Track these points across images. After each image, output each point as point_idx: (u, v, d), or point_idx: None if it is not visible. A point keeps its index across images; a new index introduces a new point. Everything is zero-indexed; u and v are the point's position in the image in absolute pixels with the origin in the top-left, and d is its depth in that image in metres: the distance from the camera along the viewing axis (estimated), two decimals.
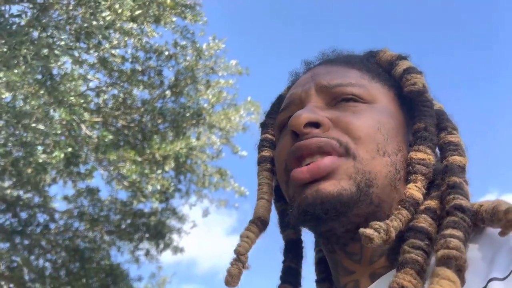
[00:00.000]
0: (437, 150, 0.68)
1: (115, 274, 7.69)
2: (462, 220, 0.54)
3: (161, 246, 8.11)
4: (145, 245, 8.20)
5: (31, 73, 5.30)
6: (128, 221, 7.90)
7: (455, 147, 0.65)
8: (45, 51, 4.96)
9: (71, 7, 5.31)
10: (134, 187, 7.48)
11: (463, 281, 0.50)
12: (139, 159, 7.17)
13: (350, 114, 0.65)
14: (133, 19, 6.08)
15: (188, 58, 7.21)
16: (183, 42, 7.03)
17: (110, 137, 6.65)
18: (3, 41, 4.58)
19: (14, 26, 4.67)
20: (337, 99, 0.68)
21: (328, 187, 0.60)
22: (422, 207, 0.60)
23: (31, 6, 5.24)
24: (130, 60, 6.87)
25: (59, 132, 6.14)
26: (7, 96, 5.75)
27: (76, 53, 5.90)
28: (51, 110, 6.00)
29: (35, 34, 5.03)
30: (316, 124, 0.64)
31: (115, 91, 7.23)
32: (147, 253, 8.26)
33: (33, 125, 5.71)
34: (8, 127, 5.85)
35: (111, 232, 7.97)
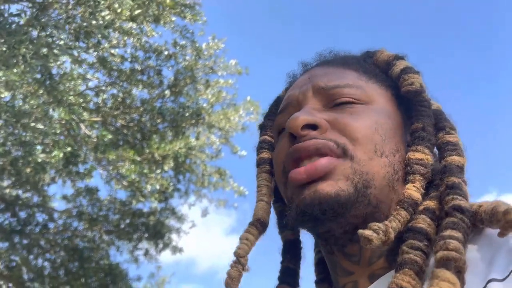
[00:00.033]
0: (435, 150, 0.68)
1: (114, 274, 7.69)
2: (461, 221, 0.54)
3: (160, 245, 8.11)
4: (144, 244, 8.21)
5: (30, 73, 5.29)
6: (127, 220, 7.90)
7: (453, 147, 0.65)
8: (44, 50, 4.96)
9: (70, 7, 5.30)
10: (133, 186, 7.47)
11: (462, 283, 0.50)
12: (138, 158, 7.16)
13: (348, 116, 0.65)
14: (132, 18, 6.07)
15: (187, 57, 7.21)
16: (183, 42, 7.03)
17: (109, 136, 6.64)
18: (2, 40, 4.58)
19: (13, 25, 4.66)
20: (335, 100, 0.68)
21: (326, 187, 0.60)
22: (421, 207, 0.60)
23: (30, 5, 5.24)
24: (129, 59, 6.87)
25: (58, 131, 6.14)
26: (6, 95, 5.74)
27: (75, 53, 5.89)
28: (50, 110, 6.00)
29: (34, 33, 5.03)
30: (313, 126, 0.64)
31: (114, 91, 7.23)
32: (146, 253, 8.26)
33: (32, 124, 5.70)
34: (7, 126, 5.85)
35: (110, 231, 7.96)
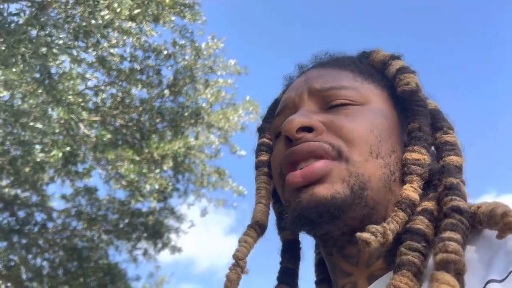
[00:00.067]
0: (433, 149, 0.68)
1: (113, 274, 7.68)
2: (460, 222, 0.54)
3: (159, 245, 8.11)
4: (143, 244, 8.21)
5: (29, 72, 5.29)
6: (126, 220, 7.90)
7: (451, 147, 0.64)
8: (44, 49, 4.95)
9: (69, 6, 5.30)
10: (132, 186, 7.47)
11: (462, 285, 0.50)
12: (137, 158, 7.16)
13: (343, 117, 0.65)
14: (131, 18, 6.07)
15: (186, 57, 7.21)
16: (182, 41, 7.03)
17: (108, 136, 6.64)
18: (1, 40, 4.57)
19: (13, 25, 4.65)
20: (330, 102, 0.68)
21: (322, 190, 0.60)
22: (419, 208, 0.60)
23: (29, 4, 5.23)
24: (128, 59, 6.87)
25: (57, 131, 6.13)
26: (5, 94, 5.74)
27: (74, 52, 5.89)
28: (49, 109, 5.99)
29: (34, 32, 5.02)
30: (309, 129, 0.64)
31: (114, 90, 7.23)
32: (145, 253, 8.26)
33: (31, 124, 5.70)
34: (6, 125, 5.84)
35: (109, 231, 7.96)
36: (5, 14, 4.72)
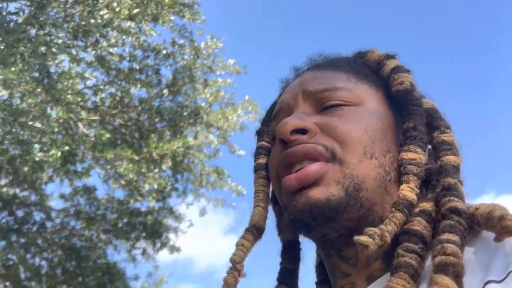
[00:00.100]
0: (430, 147, 0.68)
1: (112, 273, 7.68)
2: (458, 223, 0.54)
3: (158, 245, 8.11)
4: (141, 244, 8.20)
5: (28, 71, 5.29)
6: (125, 220, 7.89)
7: (448, 146, 0.64)
8: (43, 49, 4.95)
9: (68, 5, 5.30)
10: (131, 186, 7.47)
11: (461, 287, 0.50)
12: (136, 157, 7.16)
13: (337, 119, 0.65)
14: (131, 17, 6.07)
15: (186, 57, 7.21)
16: (181, 41, 7.03)
17: (107, 135, 6.64)
18: (0, 39, 4.57)
19: (12, 24, 4.65)
20: (324, 104, 0.68)
21: (317, 193, 0.60)
22: (417, 209, 0.60)
23: (28, 3, 5.22)
24: (127, 58, 6.87)
25: (56, 130, 6.13)
26: (4, 93, 5.74)
27: (73, 51, 5.89)
28: (48, 108, 5.99)
29: (33, 31, 5.02)
30: (302, 131, 0.64)
31: (113, 90, 7.23)
32: (144, 252, 8.25)
33: (30, 123, 5.70)
34: (4, 125, 5.84)
35: (107, 230, 7.96)
36: (4, 13, 4.72)
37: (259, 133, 0.82)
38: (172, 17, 6.63)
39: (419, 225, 0.58)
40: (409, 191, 0.61)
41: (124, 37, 6.45)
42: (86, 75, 6.91)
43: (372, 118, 0.66)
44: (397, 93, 0.69)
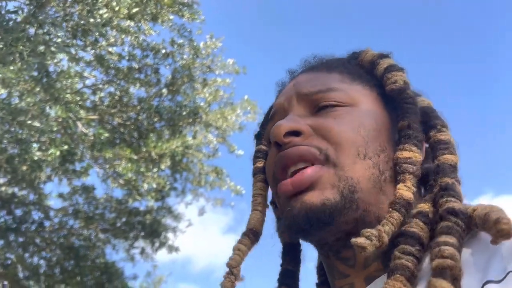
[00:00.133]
0: (427, 145, 0.68)
1: (110, 272, 7.68)
2: (455, 224, 0.54)
3: (157, 244, 8.11)
4: (140, 243, 8.21)
5: (27, 70, 5.28)
6: (124, 219, 7.89)
7: (445, 145, 0.64)
8: (42, 48, 4.95)
9: (68, 4, 5.29)
10: (129, 185, 7.47)
11: None
12: (135, 157, 7.16)
13: (331, 120, 0.65)
14: (130, 16, 6.07)
15: (185, 56, 7.21)
16: (180, 41, 7.03)
17: (106, 135, 6.64)
18: None
19: (11, 23, 4.65)
20: (318, 105, 0.68)
21: (312, 198, 0.60)
22: (415, 211, 0.60)
23: (27, 2, 5.22)
24: (126, 58, 6.87)
25: (54, 129, 6.13)
26: (3, 92, 5.73)
27: (72, 51, 5.89)
28: (47, 107, 5.98)
29: (32, 30, 5.01)
30: (296, 133, 0.65)
31: (112, 89, 7.23)
32: (142, 252, 8.25)
33: (29, 122, 5.69)
34: (3, 124, 5.83)
35: (106, 230, 7.96)
36: (3, 12, 4.71)
37: (258, 137, 0.82)
38: (171, 17, 6.63)
39: (416, 226, 0.57)
40: (405, 190, 0.61)
41: (123, 36, 6.45)
42: (85, 74, 6.90)
43: (365, 118, 0.66)
44: (391, 92, 0.69)
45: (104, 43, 6.29)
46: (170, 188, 7.83)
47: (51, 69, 5.95)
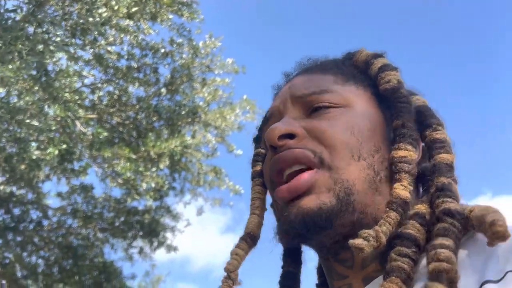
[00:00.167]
0: (423, 144, 0.68)
1: (108, 272, 7.68)
2: (452, 225, 0.54)
3: (155, 244, 8.11)
4: (138, 243, 8.20)
5: (26, 69, 5.27)
6: (122, 218, 7.89)
7: (441, 144, 0.64)
8: (40, 46, 4.94)
9: (67, 3, 5.29)
10: (128, 184, 7.46)
11: None
12: (134, 156, 7.15)
13: (325, 122, 0.65)
14: (129, 16, 6.06)
15: (184, 56, 7.20)
16: (180, 40, 7.02)
17: (105, 134, 6.63)
18: None
19: (10, 21, 4.64)
20: (312, 107, 0.68)
21: (308, 203, 0.60)
22: (412, 212, 0.60)
23: (26, 1, 5.21)
24: (125, 57, 6.86)
25: (53, 128, 6.12)
26: (1, 91, 5.72)
27: (71, 49, 5.88)
28: (46, 106, 5.98)
29: (31, 29, 5.01)
30: (290, 135, 0.65)
31: (110, 88, 7.22)
32: (141, 251, 8.25)
33: (27, 121, 5.69)
34: (2, 122, 5.83)
35: (104, 229, 7.95)
36: (2, 11, 4.71)
37: (256, 140, 0.82)
38: (171, 16, 6.62)
39: (412, 228, 0.57)
40: (402, 189, 0.60)
41: (122, 35, 6.44)
42: (84, 73, 6.90)
43: (359, 118, 0.66)
44: (384, 92, 0.69)
45: (103, 42, 6.29)
46: (169, 187, 7.83)
47: (50, 68, 5.95)
